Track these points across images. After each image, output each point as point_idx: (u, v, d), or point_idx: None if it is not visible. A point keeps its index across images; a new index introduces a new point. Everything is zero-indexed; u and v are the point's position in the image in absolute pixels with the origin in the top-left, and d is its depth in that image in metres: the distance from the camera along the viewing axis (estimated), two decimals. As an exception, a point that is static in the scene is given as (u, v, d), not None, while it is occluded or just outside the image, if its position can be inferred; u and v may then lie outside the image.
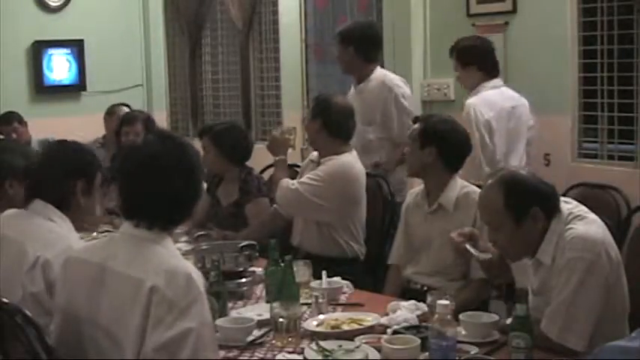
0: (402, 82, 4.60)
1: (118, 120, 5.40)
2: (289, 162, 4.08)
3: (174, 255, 2.10)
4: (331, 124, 3.80)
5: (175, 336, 1.92)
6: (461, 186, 3.30)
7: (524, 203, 2.49)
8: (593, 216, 2.55)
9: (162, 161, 2.11)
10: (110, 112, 5.57)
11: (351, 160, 3.81)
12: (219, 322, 2.55)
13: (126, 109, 5.55)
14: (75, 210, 2.59)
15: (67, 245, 2.42)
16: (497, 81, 4.46)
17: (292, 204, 3.81)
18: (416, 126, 3.39)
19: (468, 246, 2.83)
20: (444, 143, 3.28)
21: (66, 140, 2.76)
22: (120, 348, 1.99)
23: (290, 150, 4.04)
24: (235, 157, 4.15)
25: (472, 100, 4.33)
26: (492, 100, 4.34)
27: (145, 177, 2.11)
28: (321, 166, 3.79)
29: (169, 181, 2.10)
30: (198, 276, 2.04)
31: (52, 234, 2.49)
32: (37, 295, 2.37)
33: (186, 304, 1.95)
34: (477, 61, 4.40)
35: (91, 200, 2.63)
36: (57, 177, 2.57)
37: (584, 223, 2.49)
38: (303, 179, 3.80)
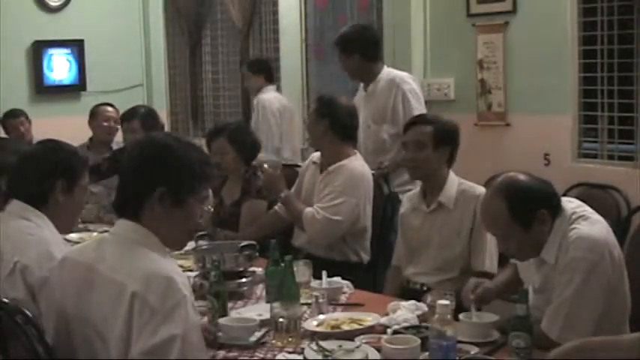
0: (411, 79, 4.59)
1: (103, 120, 5.43)
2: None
3: (159, 258, 2.07)
4: (338, 125, 3.77)
5: (160, 342, 1.91)
6: (458, 183, 3.31)
7: (530, 209, 2.47)
8: (597, 216, 2.54)
9: (131, 157, 2.18)
10: (93, 114, 5.55)
11: (357, 165, 3.78)
12: (223, 321, 2.55)
13: (110, 109, 5.53)
14: (54, 208, 2.55)
15: (45, 248, 2.40)
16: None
17: (326, 233, 3.70)
18: (413, 131, 3.36)
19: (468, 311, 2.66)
20: (455, 142, 3.32)
21: (48, 140, 2.73)
22: (108, 348, 1.99)
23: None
24: (249, 156, 4.13)
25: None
26: None
27: (123, 173, 2.19)
28: (334, 183, 3.71)
29: (131, 172, 2.14)
30: (182, 279, 2.01)
31: (29, 236, 2.45)
32: (20, 301, 2.31)
33: (169, 309, 1.93)
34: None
35: (72, 200, 2.59)
36: (34, 176, 2.54)
37: (588, 223, 2.48)
38: (322, 203, 3.69)
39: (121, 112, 5.18)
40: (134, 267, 2.01)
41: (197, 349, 2.00)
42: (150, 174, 2.12)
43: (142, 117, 4.82)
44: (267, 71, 6.24)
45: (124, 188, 2.17)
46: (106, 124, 5.46)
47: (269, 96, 6.14)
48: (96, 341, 2.03)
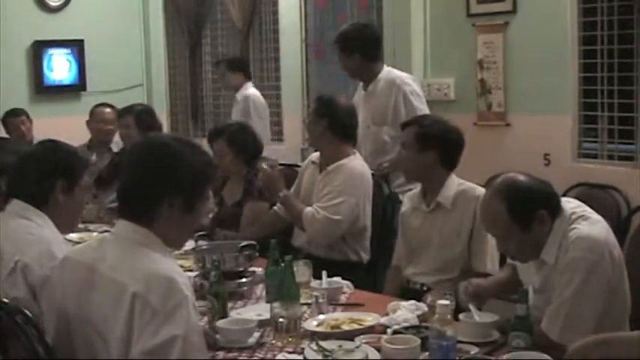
0: (411, 80, 4.56)
1: (98, 121, 5.47)
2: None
3: (160, 258, 2.06)
4: (337, 125, 3.76)
5: (161, 343, 1.90)
6: (457, 183, 3.30)
7: (529, 209, 2.46)
8: (597, 216, 2.54)
9: (134, 158, 2.18)
10: (90, 114, 5.58)
11: (357, 165, 3.78)
12: (221, 324, 2.55)
13: (107, 110, 5.55)
14: (54, 208, 2.55)
15: (46, 247, 2.41)
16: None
17: (326, 232, 3.69)
18: (405, 131, 3.36)
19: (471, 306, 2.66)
20: (443, 145, 3.28)
21: (48, 140, 2.73)
22: (109, 348, 1.99)
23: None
24: (249, 157, 4.12)
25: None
26: None
27: (125, 177, 2.17)
28: (333, 182, 3.70)
29: (137, 175, 2.13)
30: (183, 279, 2.00)
31: (29, 236, 2.46)
32: (21, 300, 2.31)
33: (170, 310, 1.92)
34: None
35: (72, 200, 2.60)
36: (34, 176, 2.54)
37: (588, 223, 2.48)
38: (322, 203, 3.69)
39: (120, 111, 5.18)
40: (135, 267, 2.00)
41: (198, 349, 1.99)
42: (156, 180, 2.10)
43: (136, 114, 4.82)
44: (246, 69, 6.41)
45: (126, 192, 2.15)
46: (100, 125, 5.47)
47: (254, 92, 6.24)
48: (96, 341, 2.03)
